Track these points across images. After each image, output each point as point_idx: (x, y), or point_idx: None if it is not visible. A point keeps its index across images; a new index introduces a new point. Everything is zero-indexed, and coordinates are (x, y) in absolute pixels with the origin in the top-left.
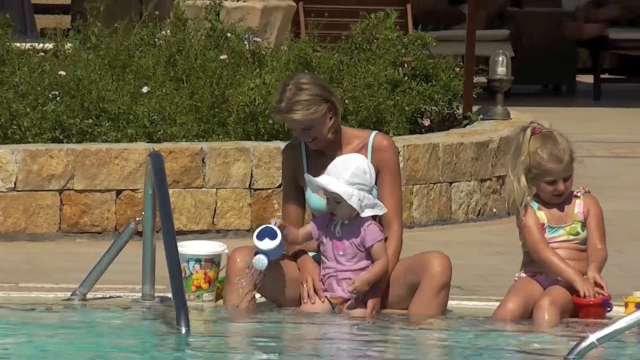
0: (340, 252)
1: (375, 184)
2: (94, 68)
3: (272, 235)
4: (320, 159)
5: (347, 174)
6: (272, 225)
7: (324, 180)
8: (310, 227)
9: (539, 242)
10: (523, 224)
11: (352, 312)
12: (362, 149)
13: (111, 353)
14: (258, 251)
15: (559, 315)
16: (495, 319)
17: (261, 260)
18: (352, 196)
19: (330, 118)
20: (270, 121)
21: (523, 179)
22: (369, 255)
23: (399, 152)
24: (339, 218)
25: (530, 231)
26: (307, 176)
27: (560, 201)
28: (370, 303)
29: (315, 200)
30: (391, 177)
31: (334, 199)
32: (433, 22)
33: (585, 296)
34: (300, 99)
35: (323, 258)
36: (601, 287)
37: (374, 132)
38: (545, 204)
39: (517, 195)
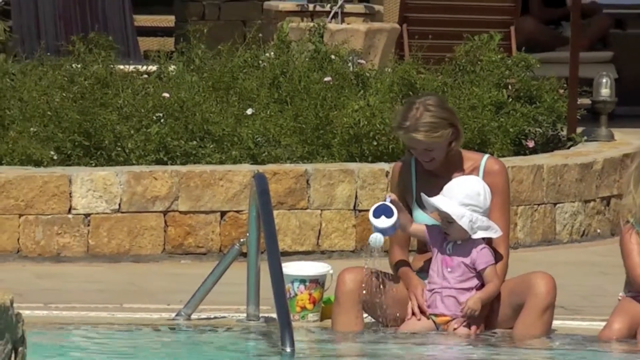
0: (449, 269)
1: None
2: (197, 90)
3: (388, 213)
4: (430, 178)
5: (460, 196)
6: (387, 203)
7: (437, 200)
8: (424, 229)
9: (636, 263)
10: (624, 244)
11: (457, 332)
12: (473, 171)
13: None
14: (374, 229)
15: None
16: (601, 339)
17: (378, 239)
18: (463, 217)
19: (451, 143)
20: (375, 143)
21: None
22: (476, 277)
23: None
24: (451, 238)
25: (630, 252)
26: (423, 196)
27: None
28: (476, 322)
29: (422, 219)
30: (500, 201)
31: (446, 219)
32: (534, 45)
33: None
34: (427, 120)
35: (430, 272)
36: None
37: (486, 156)
38: None
39: (638, 213)
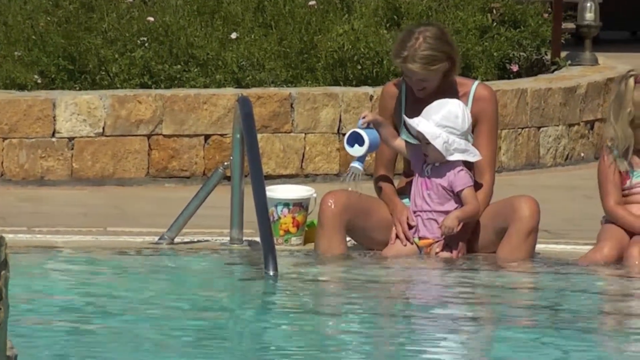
0: (428, 192)
1: (472, 132)
2: (182, 14)
3: (361, 141)
4: (420, 104)
5: (437, 117)
6: (358, 130)
7: (414, 120)
8: (406, 147)
9: (611, 196)
10: (600, 172)
11: (439, 255)
12: (463, 97)
13: (199, 296)
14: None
15: None
16: (587, 261)
17: (356, 168)
18: (438, 137)
19: (445, 74)
20: (359, 67)
21: (629, 130)
22: (456, 200)
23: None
24: (430, 160)
25: (604, 181)
26: (404, 117)
27: None
28: (458, 246)
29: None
30: (488, 127)
31: (424, 140)
32: None
33: None
34: (425, 53)
35: (412, 195)
36: None
37: (477, 82)
38: (625, 152)
39: (621, 144)
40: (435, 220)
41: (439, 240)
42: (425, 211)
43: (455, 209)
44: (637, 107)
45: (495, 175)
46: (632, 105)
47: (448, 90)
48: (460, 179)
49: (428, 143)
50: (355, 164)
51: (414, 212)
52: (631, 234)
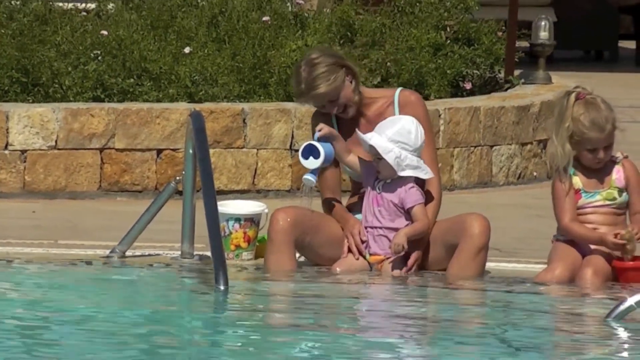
0: (379, 208)
1: None
2: (136, 28)
3: (316, 153)
4: (351, 123)
5: (390, 132)
6: (313, 142)
7: (367, 135)
8: (359, 163)
9: (565, 214)
10: (555, 190)
11: (389, 271)
12: (388, 107)
13: (149, 309)
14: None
15: (602, 284)
16: (539, 281)
17: (309, 180)
18: (390, 152)
19: (351, 82)
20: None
21: (567, 146)
22: (407, 216)
23: (440, 115)
24: (382, 176)
25: (562, 202)
26: (357, 131)
27: (599, 167)
28: (408, 262)
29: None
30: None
31: (376, 156)
32: None
33: (622, 257)
34: (317, 73)
35: (363, 211)
36: None
37: (399, 89)
38: (583, 168)
39: (560, 161)
40: (386, 236)
41: (389, 257)
42: (376, 227)
43: (406, 225)
44: (575, 123)
45: (440, 175)
46: (570, 121)
47: (370, 103)
48: (410, 195)
49: (380, 158)
50: (309, 176)
51: (365, 227)
52: (583, 253)
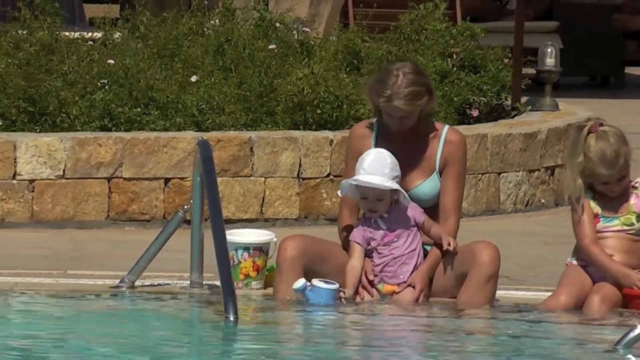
0: (395, 239)
1: (440, 175)
2: (142, 57)
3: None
4: (389, 142)
5: (387, 170)
6: (315, 287)
7: (375, 180)
8: (359, 240)
9: (586, 237)
10: (576, 217)
11: (400, 300)
12: (434, 138)
13: (159, 340)
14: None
15: (610, 311)
16: (544, 308)
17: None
18: (397, 188)
19: (425, 107)
20: (319, 111)
21: (579, 180)
22: (416, 233)
23: None
24: (380, 213)
25: (581, 226)
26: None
27: (616, 195)
28: (415, 291)
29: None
30: (457, 171)
31: (376, 196)
32: (479, 16)
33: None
34: (412, 89)
35: (377, 251)
36: None
37: (447, 126)
38: (601, 194)
39: (573, 193)
40: (406, 263)
41: (400, 284)
42: (397, 257)
43: (419, 241)
44: (587, 159)
45: (459, 220)
46: (582, 156)
47: (423, 130)
48: (415, 209)
49: (380, 199)
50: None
51: (383, 263)
52: (595, 279)
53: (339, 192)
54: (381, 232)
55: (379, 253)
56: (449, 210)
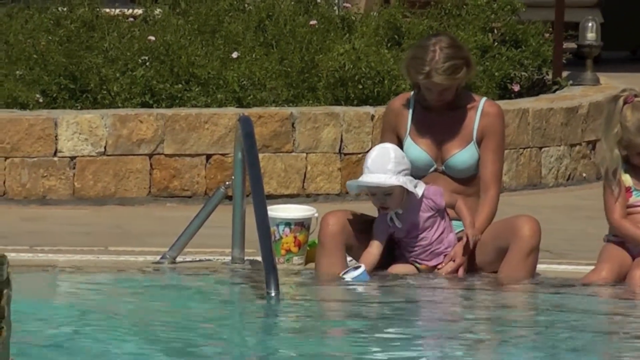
0: (419, 232)
1: (479, 147)
2: (183, 33)
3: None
4: (425, 114)
5: (391, 165)
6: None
7: (375, 179)
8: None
9: (615, 211)
10: (605, 191)
11: (441, 273)
12: (471, 110)
13: (199, 317)
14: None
15: None
16: (587, 283)
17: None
18: (406, 183)
19: (464, 79)
20: (360, 86)
21: (616, 151)
22: (439, 215)
23: None
24: (392, 209)
25: (613, 201)
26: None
27: None
28: (454, 265)
29: (414, 151)
30: (495, 143)
31: (384, 193)
32: None
33: None
34: (447, 64)
35: (406, 244)
36: None
37: (485, 98)
38: (635, 166)
39: (609, 165)
40: (439, 250)
41: (439, 264)
42: (428, 245)
43: (444, 223)
44: (624, 129)
45: (499, 192)
46: (618, 126)
47: (460, 101)
48: (434, 194)
49: (389, 194)
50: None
51: (417, 252)
52: (633, 254)
53: (349, 191)
54: (401, 230)
55: (408, 244)
56: (488, 182)
